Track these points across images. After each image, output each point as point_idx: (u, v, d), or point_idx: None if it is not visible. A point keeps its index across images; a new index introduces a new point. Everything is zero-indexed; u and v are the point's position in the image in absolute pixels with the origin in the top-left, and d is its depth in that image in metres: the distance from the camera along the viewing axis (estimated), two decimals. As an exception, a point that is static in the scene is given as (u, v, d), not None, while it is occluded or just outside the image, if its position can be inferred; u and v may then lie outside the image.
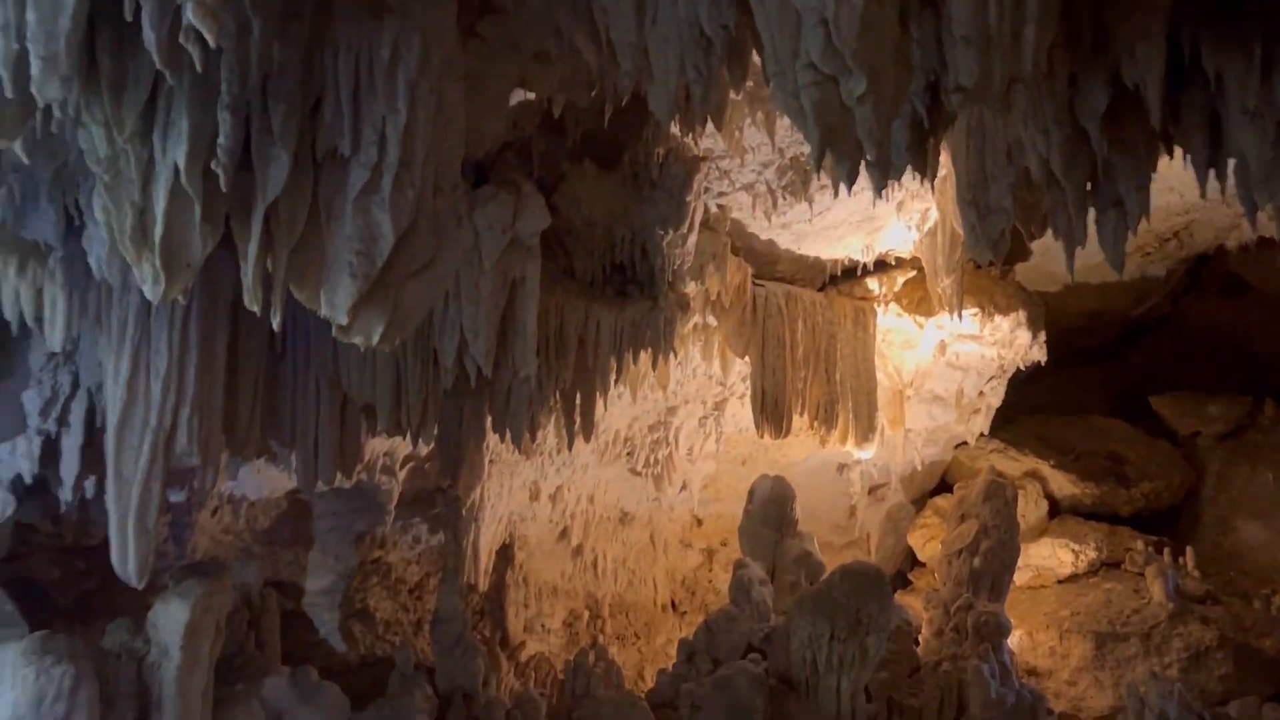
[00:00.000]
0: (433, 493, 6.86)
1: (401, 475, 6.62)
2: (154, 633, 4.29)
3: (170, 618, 4.28)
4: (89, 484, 4.97)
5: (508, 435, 5.69)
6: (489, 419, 5.63)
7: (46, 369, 4.50)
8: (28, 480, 4.78)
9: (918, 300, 7.14)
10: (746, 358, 6.63)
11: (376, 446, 6.21)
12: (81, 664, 3.98)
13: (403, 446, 6.46)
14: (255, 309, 3.43)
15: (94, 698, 4.02)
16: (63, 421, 4.66)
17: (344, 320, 3.61)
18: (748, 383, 6.89)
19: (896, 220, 6.40)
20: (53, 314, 4.04)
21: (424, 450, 6.48)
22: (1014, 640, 7.01)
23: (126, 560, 4.19)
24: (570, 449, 6.44)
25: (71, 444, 4.72)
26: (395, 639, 7.09)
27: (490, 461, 6.88)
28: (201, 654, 4.36)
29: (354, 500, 6.80)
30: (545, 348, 5.29)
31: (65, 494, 4.95)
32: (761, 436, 6.79)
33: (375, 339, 3.74)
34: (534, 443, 6.06)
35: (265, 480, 6.13)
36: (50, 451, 4.74)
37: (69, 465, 4.76)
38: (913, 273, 7.08)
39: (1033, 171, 3.49)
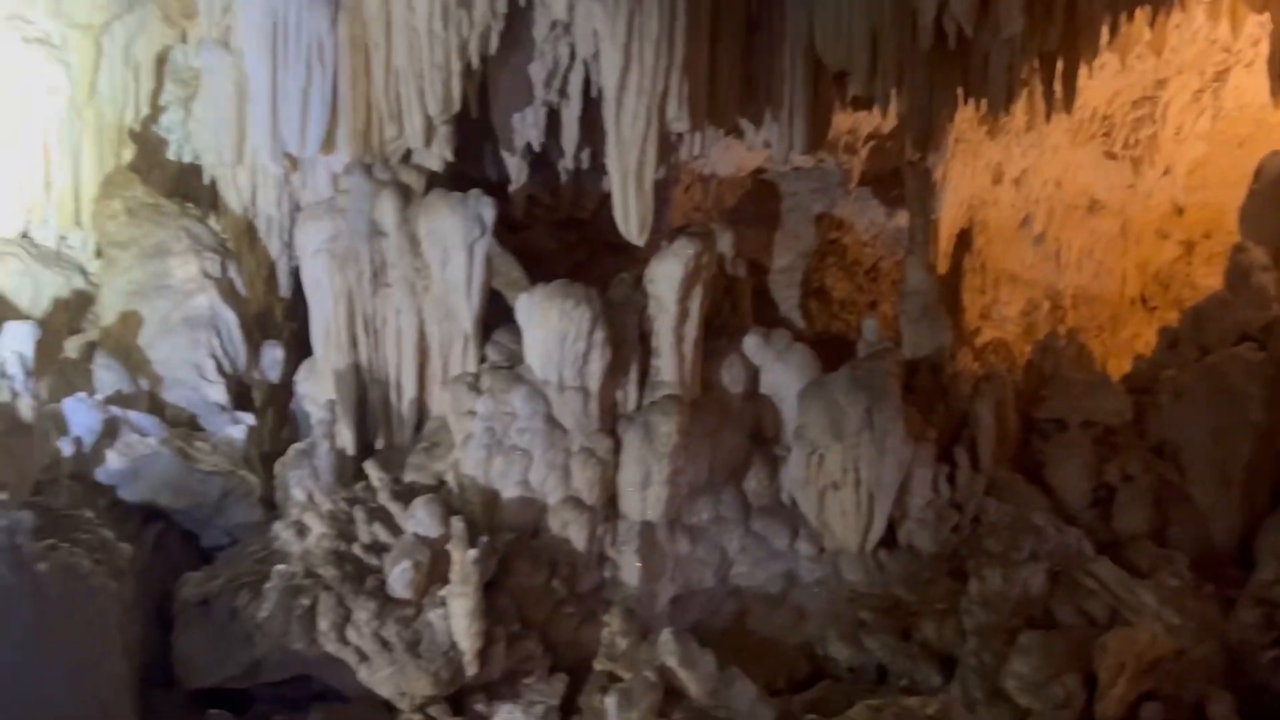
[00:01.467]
0: (893, 174, 6.75)
1: (863, 154, 6.57)
2: (652, 286, 4.66)
3: (667, 273, 4.62)
4: (584, 156, 5.39)
5: (979, 107, 5.43)
6: (960, 89, 5.36)
7: (548, 40, 4.81)
8: (535, 149, 5.25)
9: None
10: (1265, 15, 5.69)
11: (839, 124, 6.14)
12: (596, 307, 4.43)
13: (865, 124, 6.36)
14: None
15: (607, 339, 4.49)
16: (563, 92, 5.02)
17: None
18: (1259, 47, 5.99)
19: None
20: (554, -18, 4.27)
21: (887, 128, 6.35)
22: None
23: (628, 218, 4.57)
24: (1048, 121, 6.04)
25: (571, 114, 5.10)
26: (850, 318, 7.29)
27: (955, 140, 6.62)
28: (693, 308, 4.69)
29: (814, 180, 6.89)
30: (1030, 4, 4.84)
31: (565, 163, 5.42)
32: (1278, 107, 5.92)
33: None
34: (1007, 115, 5.73)
35: (733, 157, 6.35)
36: (553, 121, 5.16)
37: (569, 134, 5.18)
38: None
39: None
